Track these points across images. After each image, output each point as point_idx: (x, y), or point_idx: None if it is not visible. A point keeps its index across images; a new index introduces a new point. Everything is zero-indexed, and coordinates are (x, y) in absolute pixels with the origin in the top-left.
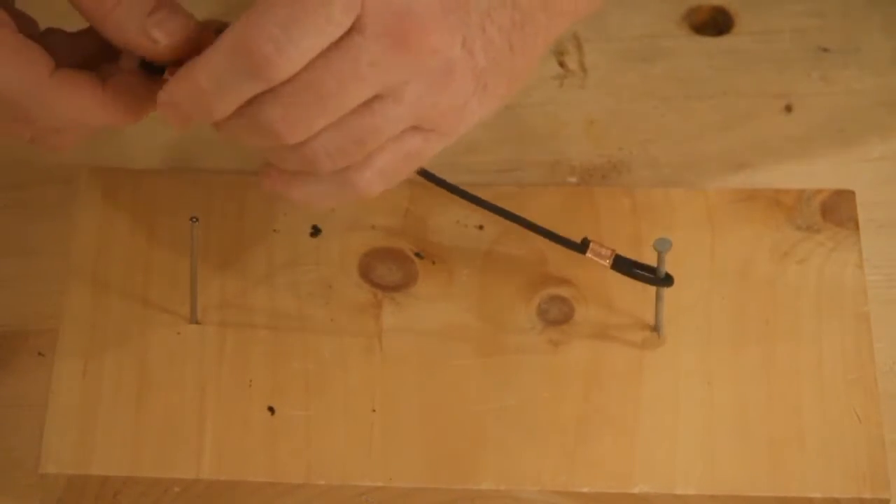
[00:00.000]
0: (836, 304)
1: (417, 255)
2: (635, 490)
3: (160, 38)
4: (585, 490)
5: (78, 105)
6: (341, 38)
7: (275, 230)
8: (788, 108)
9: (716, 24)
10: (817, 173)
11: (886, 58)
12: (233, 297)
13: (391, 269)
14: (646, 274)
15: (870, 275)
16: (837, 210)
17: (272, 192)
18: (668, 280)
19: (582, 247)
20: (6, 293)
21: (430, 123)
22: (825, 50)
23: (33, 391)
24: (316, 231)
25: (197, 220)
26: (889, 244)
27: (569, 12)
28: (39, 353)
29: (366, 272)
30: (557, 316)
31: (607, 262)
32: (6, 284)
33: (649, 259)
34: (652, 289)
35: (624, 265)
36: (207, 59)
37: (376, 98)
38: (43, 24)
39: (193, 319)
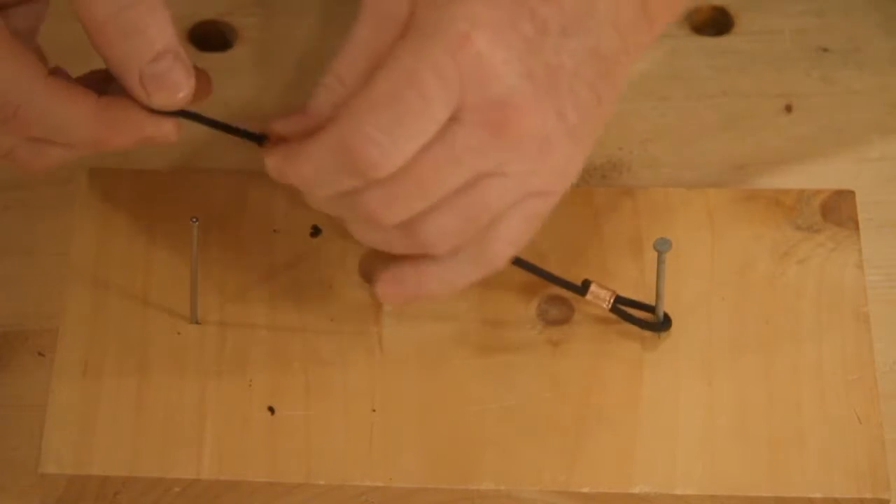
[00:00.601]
0: (836, 304)
1: None
2: (635, 490)
3: (152, 90)
4: (585, 490)
5: (70, 111)
6: (443, 128)
7: (275, 230)
8: (788, 108)
9: (716, 24)
10: (817, 173)
11: (886, 58)
12: (233, 297)
13: None
14: (643, 320)
15: (870, 275)
16: (837, 210)
17: (395, 296)
18: (664, 325)
19: (583, 289)
20: (6, 293)
21: (538, 188)
22: (825, 50)
23: (33, 391)
24: (316, 231)
25: (197, 220)
26: (889, 244)
27: (643, 44)
28: (39, 353)
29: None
30: (557, 316)
31: (606, 305)
32: (6, 284)
33: (649, 259)
34: (652, 291)
35: (622, 312)
36: (311, 154)
37: (479, 177)
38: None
39: (193, 319)
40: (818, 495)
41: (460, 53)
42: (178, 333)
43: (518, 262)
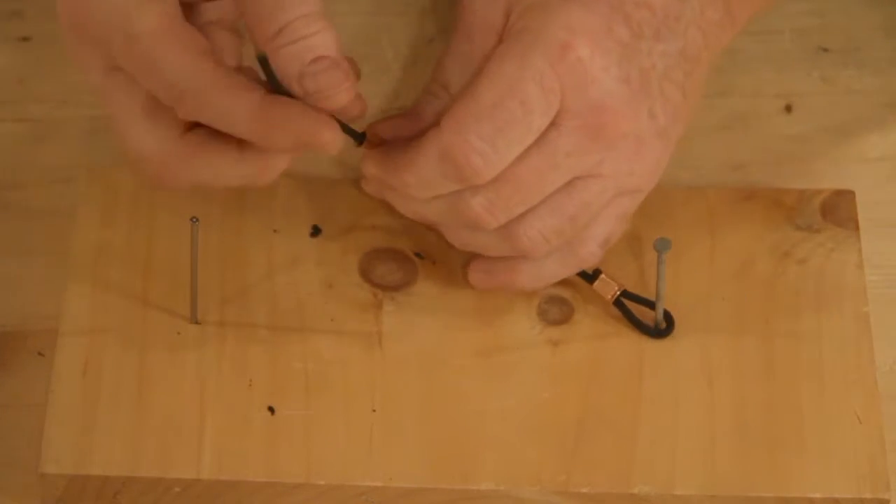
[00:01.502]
0: (836, 304)
1: (417, 255)
2: (635, 490)
3: (310, 88)
4: (585, 490)
5: (231, 102)
6: (543, 134)
7: (275, 230)
8: (788, 108)
9: None
10: (817, 173)
11: (886, 58)
12: (233, 297)
13: (391, 269)
14: (644, 323)
15: (870, 275)
16: (837, 210)
17: (483, 284)
18: (666, 331)
19: (592, 277)
20: (6, 293)
21: (631, 187)
22: (825, 50)
23: (33, 391)
24: (316, 231)
25: (197, 220)
26: (889, 244)
27: (724, 42)
28: (39, 353)
29: (366, 272)
30: (557, 316)
31: (610, 297)
32: (6, 284)
33: (649, 259)
34: (652, 290)
35: (624, 308)
36: (415, 164)
37: (577, 179)
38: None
39: (193, 319)
40: (818, 495)
41: (561, 62)
42: (178, 333)
43: None
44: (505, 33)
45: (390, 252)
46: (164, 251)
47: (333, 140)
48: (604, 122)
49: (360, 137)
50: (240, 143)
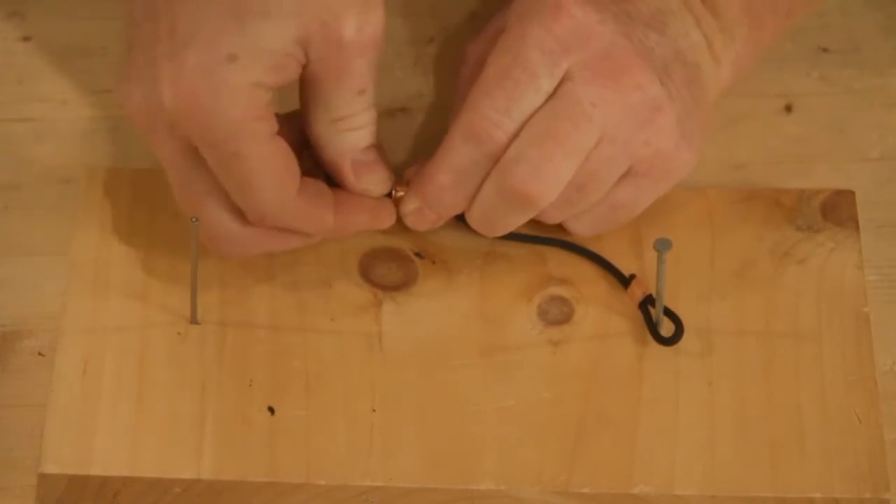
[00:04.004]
0: (836, 304)
1: (417, 255)
2: (635, 490)
3: (362, 173)
4: (585, 490)
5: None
6: (558, 89)
7: None
8: (788, 108)
9: None
10: (817, 173)
11: (886, 58)
12: (233, 297)
13: (391, 269)
14: (659, 334)
15: (870, 275)
16: (837, 210)
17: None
18: (673, 338)
19: (627, 281)
20: (6, 293)
21: (643, 165)
22: (825, 50)
23: (33, 391)
24: None
25: (197, 220)
26: (889, 244)
27: (738, 59)
28: (39, 353)
29: (366, 272)
30: (557, 316)
31: (636, 303)
32: (6, 284)
33: (649, 259)
34: (652, 289)
35: (647, 314)
36: (444, 159)
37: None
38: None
39: (193, 319)
40: (818, 495)
41: (555, 23)
42: (178, 333)
43: (568, 244)
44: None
45: (390, 252)
46: (164, 251)
47: (383, 223)
48: (612, 68)
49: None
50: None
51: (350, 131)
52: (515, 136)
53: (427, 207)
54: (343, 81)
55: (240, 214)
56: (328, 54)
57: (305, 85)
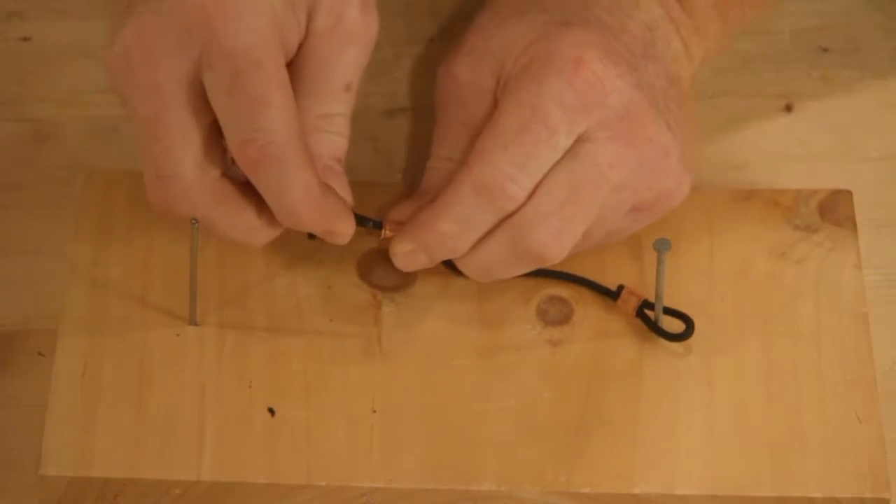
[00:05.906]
0: (835, 304)
1: None
2: (635, 490)
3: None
4: (585, 490)
5: (306, 179)
6: (577, 148)
7: None
8: (788, 108)
9: None
10: (817, 173)
11: (886, 58)
12: (232, 298)
13: (390, 269)
14: (666, 331)
15: (869, 275)
16: (835, 210)
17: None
18: (685, 334)
19: (615, 294)
20: (6, 293)
21: (645, 204)
22: (825, 50)
23: (33, 391)
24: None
25: (197, 220)
26: (889, 244)
27: (705, 58)
28: (39, 353)
29: (365, 273)
30: (557, 316)
31: (633, 311)
32: (6, 284)
33: (649, 259)
34: (652, 291)
35: (647, 318)
36: (449, 208)
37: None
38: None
39: (193, 320)
40: (818, 495)
41: (577, 78)
42: (178, 335)
43: (551, 273)
44: (504, 83)
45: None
46: (164, 252)
47: (347, 234)
48: (632, 128)
49: (377, 226)
50: (259, 209)
51: (331, 134)
52: (530, 191)
53: (422, 252)
54: (335, 66)
55: (203, 163)
56: (329, 28)
57: (298, 71)
